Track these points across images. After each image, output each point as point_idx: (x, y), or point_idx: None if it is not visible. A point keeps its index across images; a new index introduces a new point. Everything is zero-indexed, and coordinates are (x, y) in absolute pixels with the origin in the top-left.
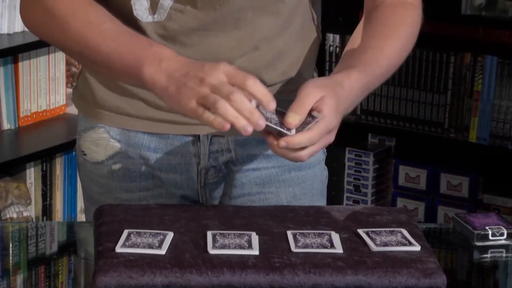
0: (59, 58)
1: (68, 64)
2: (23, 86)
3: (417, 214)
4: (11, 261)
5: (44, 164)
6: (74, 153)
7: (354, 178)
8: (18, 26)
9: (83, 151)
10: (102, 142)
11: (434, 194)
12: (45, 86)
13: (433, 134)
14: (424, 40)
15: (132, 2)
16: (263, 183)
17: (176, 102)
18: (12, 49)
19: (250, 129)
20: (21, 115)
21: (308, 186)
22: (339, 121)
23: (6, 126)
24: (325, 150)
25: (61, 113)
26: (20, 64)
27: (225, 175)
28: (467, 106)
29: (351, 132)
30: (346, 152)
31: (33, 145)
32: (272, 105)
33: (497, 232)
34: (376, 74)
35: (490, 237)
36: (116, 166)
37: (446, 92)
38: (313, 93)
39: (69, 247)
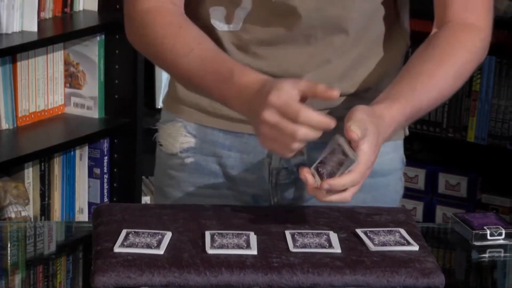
0: (57, 58)
1: (66, 64)
2: (21, 86)
3: (415, 213)
4: (9, 261)
5: (43, 164)
6: (72, 153)
7: None
8: (16, 25)
9: (159, 142)
10: (178, 135)
11: (432, 193)
12: (44, 86)
13: (431, 133)
14: (422, 39)
15: (210, 10)
16: None
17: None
18: (10, 49)
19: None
20: (19, 115)
21: (380, 195)
22: (377, 155)
23: (5, 126)
24: (404, 160)
25: (59, 113)
26: (18, 64)
27: (297, 178)
28: (465, 106)
29: None
30: None
31: (32, 145)
32: (332, 124)
33: (496, 232)
34: (422, 105)
35: (489, 237)
36: (188, 160)
37: None
38: (365, 119)
39: (67, 247)
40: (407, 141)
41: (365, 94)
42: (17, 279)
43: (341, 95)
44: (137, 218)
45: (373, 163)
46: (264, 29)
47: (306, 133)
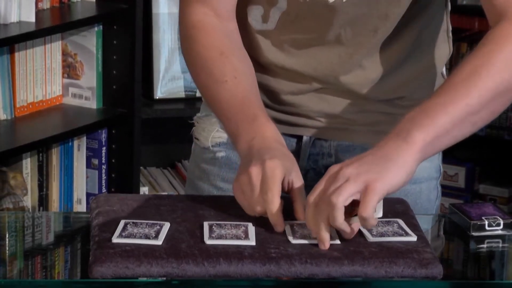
0: (55, 49)
1: (64, 54)
2: (19, 77)
3: None
4: (7, 252)
5: (41, 154)
6: (70, 143)
7: None
8: (14, 16)
9: (195, 136)
10: (211, 130)
11: None
12: (41, 77)
13: None
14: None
15: (248, 8)
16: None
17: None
18: (8, 39)
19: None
20: (17, 106)
21: (411, 201)
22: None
23: (2, 116)
24: (441, 169)
25: (57, 103)
26: (16, 54)
27: None
28: None
29: None
30: None
31: (30, 136)
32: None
33: (494, 222)
34: (459, 112)
35: (487, 227)
36: (220, 154)
37: None
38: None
39: (65, 237)
40: None
41: (398, 101)
42: (15, 269)
43: (374, 100)
44: (135, 208)
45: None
46: (297, 29)
47: (261, 211)
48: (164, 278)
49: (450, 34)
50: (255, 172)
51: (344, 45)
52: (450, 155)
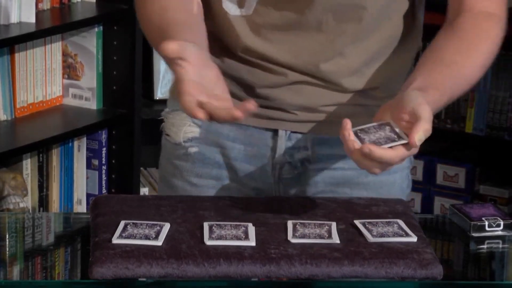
0: (55, 49)
1: (64, 55)
2: (19, 77)
3: (413, 205)
4: (7, 252)
5: (41, 155)
6: (70, 144)
7: None
8: (14, 17)
9: (165, 131)
10: (182, 125)
11: (430, 185)
12: (42, 77)
13: None
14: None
15: None
16: (337, 183)
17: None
18: (8, 40)
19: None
20: (18, 106)
21: (385, 192)
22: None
23: (3, 117)
24: (412, 159)
25: (57, 104)
26: (16, 55)
27: (301, 173)
28: (463, 97)
29: None
30: None
31: (30, 136)
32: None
33: (494, 223)
34: (453, 96)
35: (487, 228)
36: (192, 150)
37: None
38: (431, 118)
39: (65, 238)
40: None
41: (373, 92)
42: (16, 270)
43: (350, 91)
44: (135, 209)
45: (415, 152)
46: (276, 13)
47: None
48: (164, 279)
49: (421, 29)
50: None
51: (325, 32)
52: (450, 155)
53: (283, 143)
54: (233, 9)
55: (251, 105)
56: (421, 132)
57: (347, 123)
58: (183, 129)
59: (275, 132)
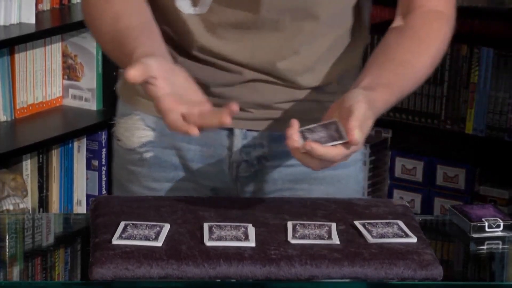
0: (55, 50)
1: (64, 56)
2: (19, 78)
3: (413, 205)
4: (7, 253)
5: (41, 156)
6: (70, 145)
7: None
8: (14, 17)
9: (117, 137)
10: (135, 129)
11: (430, 185)
12: (42, 78)
13: (429, 125)
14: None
15: None
16: (296, 179)
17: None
18: (9, 40)
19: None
20: (18, 107)
21: (343, 186)
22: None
23: (2, 117)
24: (365, 152)
25: (57, 105)
26: (16, 55)
27: (258, 171)
28: (463, 98)
29: None
30: None
31: (30, 137)
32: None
33: (494, 224)
34: (403, 94)
35: (487, 229)
36: (148, 155)
37: (442, 84)
38: (368, 115)
39: (65, 239)
40: (405, 133)
41: (326, 88)
42: (15, 271)
43: (304, 88)
44: (135, 210)
45: (358, 150)
46: (231, 12)
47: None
48: (164, 280)
49: (368, 24)
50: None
51: (282, 31)
52: (450, 156)
53: (239, 142)
54: (186, 7)
55: (234, 106)
56: (357, 129)
57: (294, 123)
58: (136, 134)
59: (230, 131)
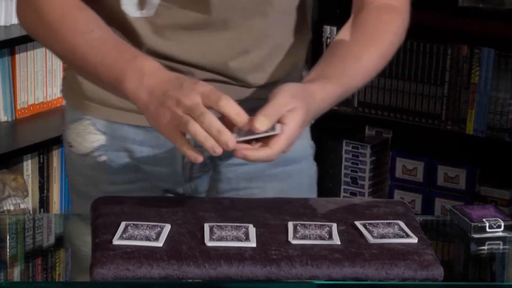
0: None
1: None
2: (20, 78)
3: (414, 206)
4: (8, 253)
5: (41, 156)
6: None
7: (351, 170)
8: (15, 18)
9: (69, 143)
10: (87, 134)
11: (431, 186)
12: (42, 78)
13: (430, 126)
14: (421, 32)
15: None
16: (250, 178)
17: (154, 121)
18: (9, 41)
19: (218, 150)
20: (18, 107)
21: (296, 181)
22: (300, 134)
23: (3, 118)
24: (314, 145)
25: (58, 105)
26: (17, 56)
27: (211, 170)
28: (464, 98)
29: (348, 124)
30: (343, 144)
31: (30, 137)
32: (245, 124)
33: (494, 224)
34: (351, 86)
35: (487, 229)
36: (101, 159)
37: (443, 84)
38: (287, 102)
39: (66, 239)
40: (406, 133)
41: (275, 86)
42: (16, 271)
43: (253, 86)
44: (135, 210)
45: (296, 139)
46: (180, 14)
47: (211, 120)
48: (165, 280)
49: (310, 20)
50: (191, 97)
51: (232, 30)
52: (451, 157)
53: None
54: (132, 10)
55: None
56: (261, 117)
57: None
58: (88, 138)
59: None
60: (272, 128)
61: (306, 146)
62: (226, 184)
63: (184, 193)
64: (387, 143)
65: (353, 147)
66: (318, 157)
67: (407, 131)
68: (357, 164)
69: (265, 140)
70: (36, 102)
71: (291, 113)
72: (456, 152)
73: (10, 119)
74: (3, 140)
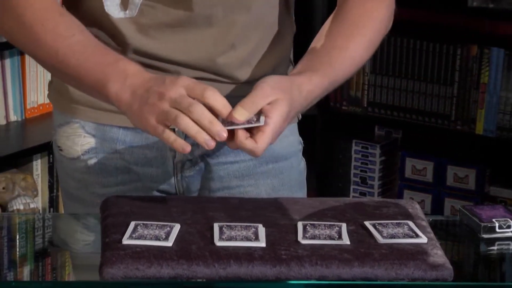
0: None
1: None
2: (29, 78)
3: (423, 206)
4: (18, 253)
5: (51, 155)
6: None
7: (361, 170)
8: None
9: (59, 147)
10: (77, 137)
11: (440, 186)
12: None
13: (439, 126)
14: (430, 32)
15: None
16: (242, 175)
17: (138, 120)
18: None
19: (211, 143)
20: (28, 107)
21: (286, 177)
22: (286, 126)
23: (13, 118)
24: (302, 141)
25: None
26: (27, 56)
27: (202, 168)
28: (473, 98)
29: (358, 124)
30: (353, 144)
31: (40, 137)
32: (230, 115)
33: (504, 225)
34: (338, 76)
35: (497, 230)
36: (92, 161)
37: (452, 84)
38: (267, 94)
39: (75, 239)
40: (415, 134)
41: None
42: (26, 270)
43: (240, 82)
44: (145, 210)
45: (281, 133)
46: (163, 12)
47: (202, 110)
48: (175, 280)
49: (293, 14)
50: (174, 91)
51: (216, 26)
52: (461, 157)
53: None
54: (116, 12)
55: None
56: (239, 108)
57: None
58: (78, 142)
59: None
60: (258, 120)
61: (294, 142)
62: (218, 182)
63: (177, 193)
64: (396, 143)
65: (362, 147)
66: (328, 157)
67: (417, 131)
68: (366, 164)
69: (251, 133)
70: (45, 102)
71: (274, 105)
72: (465, 152)
73: (19, 119)
74: (12, 139)
